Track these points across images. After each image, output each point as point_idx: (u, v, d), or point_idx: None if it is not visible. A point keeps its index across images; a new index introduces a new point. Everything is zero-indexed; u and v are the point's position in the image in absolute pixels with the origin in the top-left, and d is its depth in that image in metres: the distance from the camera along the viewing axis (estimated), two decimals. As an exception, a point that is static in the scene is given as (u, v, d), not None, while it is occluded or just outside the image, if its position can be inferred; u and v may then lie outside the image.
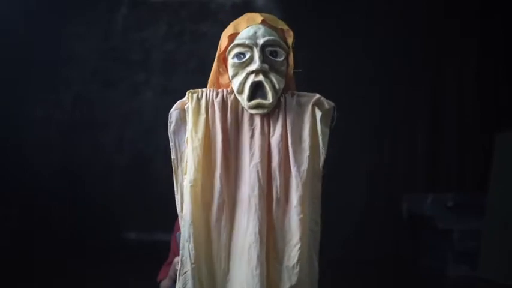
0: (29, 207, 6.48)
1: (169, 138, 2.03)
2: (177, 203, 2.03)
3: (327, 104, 2.05)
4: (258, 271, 1.91)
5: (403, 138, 6.77)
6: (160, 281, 2.53)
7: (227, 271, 1.97)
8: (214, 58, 2.10)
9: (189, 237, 1.94)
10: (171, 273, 2.44)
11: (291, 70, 2.09)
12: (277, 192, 1.96)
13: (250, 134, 2.00)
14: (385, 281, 5.44)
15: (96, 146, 6.81)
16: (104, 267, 5.47)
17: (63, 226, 6.37)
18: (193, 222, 1.95)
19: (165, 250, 2.39)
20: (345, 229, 6.45)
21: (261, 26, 2.04)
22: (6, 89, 6.64)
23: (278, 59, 2.02)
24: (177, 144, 2.03)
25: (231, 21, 2.17)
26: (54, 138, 6.80)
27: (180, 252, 1.98)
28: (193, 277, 1.94)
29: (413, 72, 6.77)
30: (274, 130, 2.00)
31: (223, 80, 2.07)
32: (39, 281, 4.93)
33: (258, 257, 1.92)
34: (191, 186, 1.95)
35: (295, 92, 2.07)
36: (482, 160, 6.12)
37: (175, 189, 2.02)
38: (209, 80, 2.12)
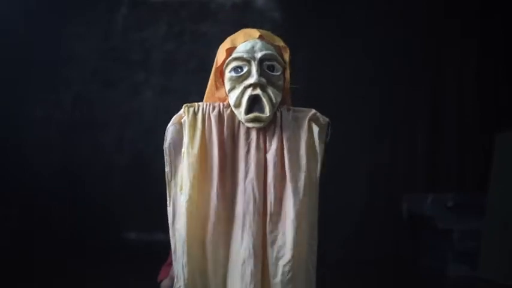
0: (29, 207, 6.48)
1: (164, 152, 2.03)
2: (168, 214, 2.02)
3: (322, 119, 2.07)
4: (252, 286, 1.92)
5: (403, 138, 6.77)
6: (161, 281, 2.53)
7: (222, 286, 1.97)
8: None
9: (183, 253, 1.95)
10: (171, 273, 2.44)
11: (288, 85, 2.10)
12: (271, 207, 1.96)
13: (246, 148, 2.00)
14: (385, 281, 5.44)
15: (96, 146, 6.81)
16: (104, 267, 5.47)
17: (63, 226, 6.37)
18: (188, 239, 1.95)
19: (165, 250, 2.39)
20: (345, 229, 6.46)
21: (258, 40, 2.05)
22: (6, 89, 6.64)
23: (275, 74, 2.03)
24: (172, 157, 2.02)
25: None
26: (54, 138, 6.80)
27: (174, 264, 2.00)
28: None
29: (413, 72, 6.77)
30: (270, 145, 2.00)
31: (220, 94, 2.08)
32: (39, 281, 4.93)
33: (252, 273, 1.93)
34: (186, 201, 1.95)
35: (291, 107, 2.07)
36: (482, 160, 6.12)
37: (167, 202, 2.02)
38: (205, 94, 2.13)
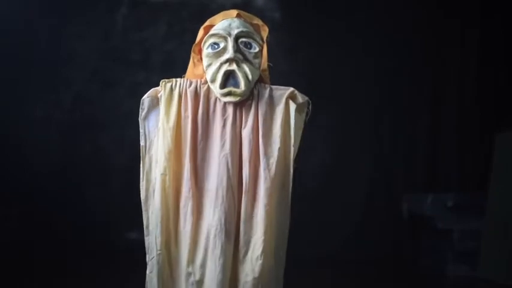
0: (29, 207, 6.48)
1: (140, 125, 2.09)
2: (141, 189, 2.09)
3: (301, 97, 2.08)
4: (221, 261, 1.95)
5: (403, 138, 6.77)
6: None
7: (192, 258, 1.99)
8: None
9: (156, 225, 1.99)
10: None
11: (265, 63, 2.13)
12: (246, 183, 1.99)
13: (222, 124, 2.04)
14: (385, 281, 5.43)
15: (96, 146, 6.80)
16: (104, 267, 5.47)
17: (63, 226, 6.36)
18: (161, 210, 1.99)
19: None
20: (345, 229, 6.46)
21: (236, 19, 2.10)
22: (6, 89, 6.64)
23: (252, 51, 2.06)
24: (146, 131, 2.09)
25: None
26: (54, 138, 6.79)
27: (146, 239, 2.03)
28: (158, 263, 1.98)
29: (414, 72, 6.77)
30: (246, 121, 2.03)
31: (198, 70, 2.13)
32: (39, 281, 4.93)
33: (222, 247, 1.95)
34: (161, 174, 1.99)
35: (269, 85, 2.10)
36: (482, 160, 6.12)
37: (140, 176, 2.08)
38: (186, 72, 2.19)
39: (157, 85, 2.05)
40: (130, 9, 6.97)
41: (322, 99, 6.62)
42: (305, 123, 2.08)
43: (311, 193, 6.26)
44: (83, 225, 6.40)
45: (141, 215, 2.13)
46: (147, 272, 2.01)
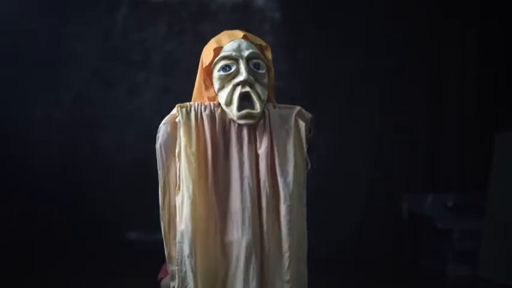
0: (29, 207, 6.48)
1: (156, 152, 2.06)
2: (161, 218, 2.06)
3: (306, 115, 2.12)
4: (254, 283, 1.96)
5: (403, 139, 6.77)
6: (161, 279, 2.54)
7: (224, 284, 2.00)
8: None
9: (191, 253, 1.97)
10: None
11: (272, 83, 2.14)
12: (267, 203, 2.00)
13: (239, 146, 2.04)
14: (385, 281, 5.44)
15: (96, 146, 6.81)
16: (104, 267, 5.47)
17: (63, 226, 6.37)
18: (193, 238, 1.97)
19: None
20: (345, 229, 6.46)
21: (243, 40, 2.10)
22: (6, 89, 6.64)
23: (261, 71, 2.08)
24: (164, 157, 2.06)
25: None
26: (54, 138, 6.79)
27: (177, 268, 2.01)
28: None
29: (414, 72, 6.77)
30: (261, 142, 2.04)
31: (209, 93, 2.11)
32: (39, 281, 4.93)
33: (254, 269, 1.96)
34: (191, 202, 1.98)
35: (276, 104, 2.13)
36: (482, 160, 6.12)
37: (160, 204, 2.05)
38: (193, 95, 2.17)
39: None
40: (130, 9, 6.97)
41: (322, 99, 6.64)
42: (308, 140, 2.10)
43: (311, 193, 6.26)
44: (83, 225, 6.40)
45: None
46: None
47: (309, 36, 6.80)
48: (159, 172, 2.07)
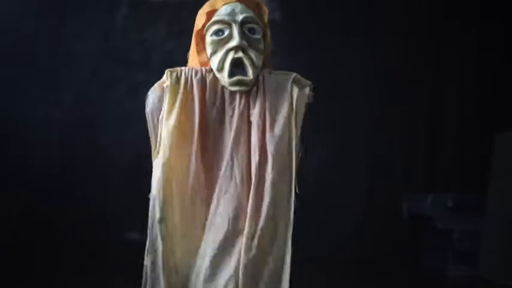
0: (29, 207, 6.48)
1: (147, 118, 2.04)
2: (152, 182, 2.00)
3: (304, 82, 2.05)
4: (220, 251, 1.90)
5: (403, 138, 6.77)
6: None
7: (201, 249, 1.95)
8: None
9: (161, 216, 1.92)
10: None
11: (268, 48, 2.09)
12: (256, 170, 1.95)
13: (230, 113, 2.00)
14: (385, 281, 5.43)
15: (96, 146, 6.80)
16: (104, 267, 5.47)
17: (63, 226, 6.36)
18: (165, 200, 1.93)
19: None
20: (345, 229, 6.45)
21: (238, 3, 2.03)
22: (6, 89, 6.64)
23: (256, 36, 2.02)
24: (155, 123, 2.03)
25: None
26: (54, 138, 6.79)
27: (148, 231, 1.95)
28: (164, 254, 1.93)
29: (413, 71, 6.77)
30: (254, 108, 2.00)
31: (201, 58, 2.07)
32: (39, 281, 4.93)
33: (219, 240, 1.90)
34: (163, 164, 1.93)
35: (272, 70, 2.07)
36: (482, 160, 6.12)
37: (154, 170, 2.00)
38: (188, 60, 2.14)
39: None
40: (130, 9, 6.97)
41: (322, 98, 6.63)
42: (307, 108, 2.04)
43: (311, 193, 6.26)
44: (83, 225, 6.40)
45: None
46: (148, 263, 1.96)
47: (309, 36, 6.79)
48: (151, 139, 2.03)
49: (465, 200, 5.76)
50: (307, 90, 2.04)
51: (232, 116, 1.99)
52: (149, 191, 2.04)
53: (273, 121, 1.98)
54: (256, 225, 1.91)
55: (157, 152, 1.98)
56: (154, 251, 1.94)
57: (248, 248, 1.90)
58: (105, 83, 6.87)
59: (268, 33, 2.09)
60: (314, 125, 2.11)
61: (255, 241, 1.90)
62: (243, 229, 1.92)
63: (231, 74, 1.97)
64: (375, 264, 5.97)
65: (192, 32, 2.15)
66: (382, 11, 6.72)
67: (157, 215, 1.93)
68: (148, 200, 2.01)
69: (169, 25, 6.94)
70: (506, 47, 6.57)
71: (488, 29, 6.65)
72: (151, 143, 2.03)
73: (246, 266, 1.88)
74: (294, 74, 2.05)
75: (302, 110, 2.03)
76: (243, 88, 1.98)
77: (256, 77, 2.00)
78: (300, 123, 2.02)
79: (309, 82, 2.06)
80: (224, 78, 1.99)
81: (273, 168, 1.94)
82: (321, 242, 6.22)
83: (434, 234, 5.83)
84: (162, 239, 1.92)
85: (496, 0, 6.57)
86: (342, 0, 6.81)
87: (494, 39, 6.64)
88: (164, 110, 1.99)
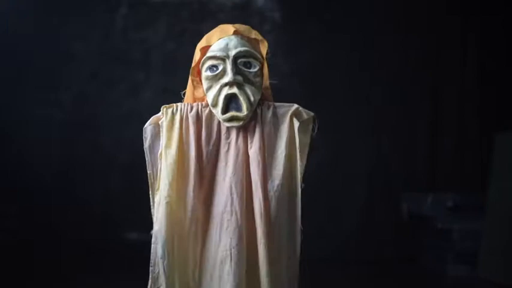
0: (28, 207, 6.48)
1: (145, 153, 2.04)
2: (154, 217, 2.01)
3: (306, 114, 2.02)
4: (228, 286, 1.90)
5: (403, 138, 6.77)
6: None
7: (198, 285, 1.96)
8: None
9: (164, 254, 1.93)
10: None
11: (267, 81, 2.06)
12: (260, 206, 1.93)
13: (226, 148, 1.99)
14: (385, 281, 5.44)
15: (96, 146, 6.80)
16: (104, 268, 5.47)
17: (63, 226, 6.37)
18: (167, 239, 1.93)
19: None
20: (345, 229, 6.46)
21: (233, 37, 2.00)
22: (6, 89, 6.64)
23: (252, 70, 1.99)
24: (152, 159, 2.03)
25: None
26: (54, 138, 6.79)
27: (151, 269, 1.96)
28: None
29: (413, 71, 6.77)
30: (251, 143, 1.97)
31: (198, 93, 2.07)
32: (39, 281, 4.93)
33: (228, 272, 1.91)
34: (166, 203, 1.94)
35: (272, 103, 2.04)
36: (482, 160, 6.12)
37: (151, 203, 2.02)
38: (185, 95, 2.13)
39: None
40: (130, 9, 6.97)
41: (322, 99, 6.63)
42: (313, 139, 2.02)
43: (311, 193, 6.26)
44: (83, 225, 6.40)
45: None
46: None
47: (309, 36, 6.79)
48: (148, 172, 2.04)
49: (465, 200, 5.76)
50: (309, 122, 2.01)
51: (227, 151, 1.98)
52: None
53: (272, 157, 1.96)
54: (271, 264, 1.92)
55: (158, 188, 1.98)
56: (158, 287, 1.96)
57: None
58: (105, 83, 6.87)
59: (266, 64, 2.04)
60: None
61: (268, 278, 1.92)
62: (246, 261, 1.93)
63: (225, 110, 1.96)
64: (375, 264, 5.97)
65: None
66: (382, 10, 6.72)
67: (160, 252, 1.94)
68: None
69: (169, 25, 6.94)
70: (506, 47, 6.56)
71: (488, 29, 6.64)
72: (149, 176, 2.03)
73: None
74: (295, 107, 2.01)
75: (307, 143, 2.00)
76: (237, 124, 1.96)
77: (254, 111, 1.98)
78: (303, 157, 1.99)
79: (311, 114, 2.03)
80: (218, 113, 1.97)
81: (274, 207, 1.94)
82: (321, 242, 6.22)
83: (434, 234, 5.83)
84: (165, 275, 1.93)
85: (496, 0, 6.57)
86: (342, 0, 6.81)
87: (494, 39, 6.63)
88: (162, 146, 1.99)
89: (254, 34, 2.06)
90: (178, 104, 2.05)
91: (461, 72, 6.76)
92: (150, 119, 2.05)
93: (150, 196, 2.03)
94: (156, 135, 2.03)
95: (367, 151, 6.74)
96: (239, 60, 1.98)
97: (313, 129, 2.02)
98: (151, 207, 2.02)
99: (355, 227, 6.49)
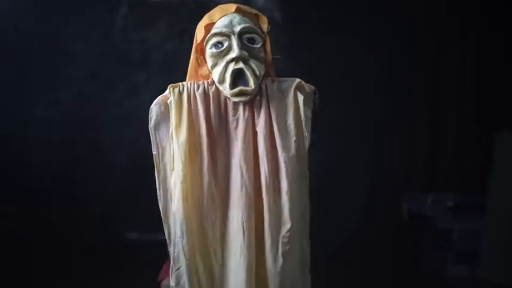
0: (28, 207, 6.48)
1: (150, 133, 2.03)
2: (159, 199, 2.02)
3: (308, 87, 2.05)
4: (242, 259, 1.92)
5: (403, 138, 6.77)
6: (162, 280, 2.54)
7: (222, 264, 1.97)
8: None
9: (182, 234, 1.94)
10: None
11: (269, 56, 2.10)
12: (266, 179, 1.96)
13: (235, 124, 2.01)
14: (385, 281, 5.44)
15: (96, 146, 6.81)
16: (104, 268, 5.47)
17: (63, 226, 6.37)
18: (185, 218, 1.94)
19: (166, 250, 2.39)
20: (345, 229, 6.46)
21: (235, 14, 2.05)
22: (6, 89, 6.64)
23: (256, 46, 2.03)
24: (158, 139, 2.03)
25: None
26: (54, 138, 6.79)
27: (171, 249, 1.97)
28: (188, 272, 1.94)
29: (413, 71, 6.77)
30: (258, 118, 2.00)
31: (203, 71, 2.08)
32: (39, 281, 4.93)
33: (241, 247, 1.92)
34: (181, 182, 1.95)
35: (275, 78, 2.08)
36: (482, 160, 6.12)
37: (157, 185, 2.01)
38: (188, 74, 2.13)
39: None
40: (130, 9, 6.97)
41: (321, 99, 6.63)
42: (315, 112, 2.04)
43: (310, 192, 6.26)
44: (83, 225, 6.40)
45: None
46: (173, 284, 1.96)
47: (309, 36, 6.79)
48: (154, 153, 2.03)
49: (465, 200, 5.77)
50: (311, 96, 2.05)
51: (236, 127, 2.00)
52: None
53: (280, 130, 1.98)
54: (278, 234, 1.94)
55: (173, 169, 1.98)
56: (178, 268, 1.96)
57: (274, 258, 1.93)
58: (105, 83, 6.87)
59: (268, 41, 2.08)
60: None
61: (279, 250, 1.93)
62: (258, 234, 1.95)
63: (233, 85, 1.98)
64: (375, 264, 5.97)
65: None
66: (382, 10, 6.72)
67: (178, 232, 1.95)
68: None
69: (169, 25, 6.94)
70: (506, 47, 6.56)
71: (487, 28, 6.64)
72: (154, 157, 2.02)
73: (275, 276, 1.93)
74: (297, 80, 2.05)
75: (309, 116, 2.03)
76: (245, 98, 1.99)
77: (259, 86, 2.01)
78: (308, 129, 2.02)
79: (312, 87, 2.06)
80: (226, 89, 1.99)
81: (287, 177, 1.96)
82: (321, 242, 6.21)
83: (434, 234, 5.83)
84: (184, 255, 1.94)
85: (495, 0, 6.57)
86: (342, 0, 6.81)
87: (494, 38, 6.63)
88: (172, 126, 2.00)
89: (254, 11, 2.10)
90: (184, 82, 2.06)
91: (461, 72, 6.76)
92: (157, 98, 2.04)
93: (156, 177, 2.02)
94: (161, 115, 2.02)
95: (367, 151, 6.74)
96: (244, 36, 2.02)
97: (314, 103, 2.05)
98: (157, 188, 2.02)
99: (355, 227, 6.48)
